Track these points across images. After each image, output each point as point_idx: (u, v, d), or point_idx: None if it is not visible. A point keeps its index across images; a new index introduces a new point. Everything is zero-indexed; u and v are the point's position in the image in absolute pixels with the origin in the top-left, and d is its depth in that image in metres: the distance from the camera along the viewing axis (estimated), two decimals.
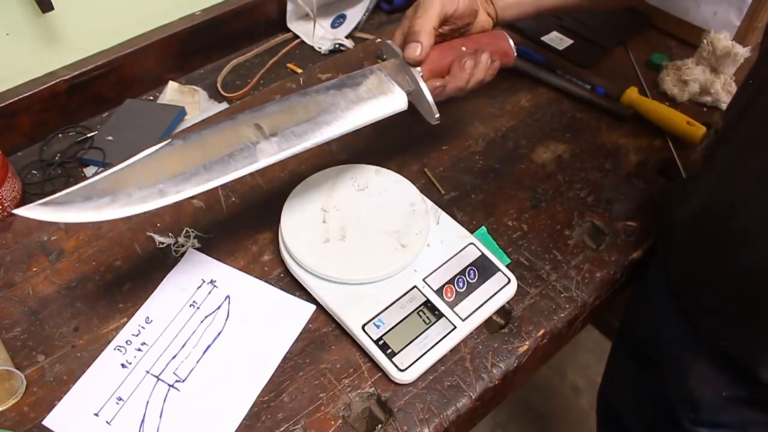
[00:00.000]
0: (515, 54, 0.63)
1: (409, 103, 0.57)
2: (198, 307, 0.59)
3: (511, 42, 0.63)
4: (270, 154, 0.50)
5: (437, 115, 0.58)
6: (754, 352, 0.53)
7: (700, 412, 0.59)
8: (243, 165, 0.50)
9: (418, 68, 0.57)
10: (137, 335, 0.57)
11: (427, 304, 0.56)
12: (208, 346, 0.56)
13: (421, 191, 0.63)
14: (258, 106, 0.53)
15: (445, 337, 0.55)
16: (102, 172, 0.49)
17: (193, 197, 0.68)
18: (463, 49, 0.60)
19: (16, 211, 0.45)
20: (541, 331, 0.58)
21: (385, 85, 0.56)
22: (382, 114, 0.55)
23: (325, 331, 0.58)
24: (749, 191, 0.49)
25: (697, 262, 0.57)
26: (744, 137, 0.50)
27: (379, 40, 0.89)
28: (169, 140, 0.50)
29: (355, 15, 0.96)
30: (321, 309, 0.59)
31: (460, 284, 0.58)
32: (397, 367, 0.53)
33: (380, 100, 0.55)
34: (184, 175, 0.48)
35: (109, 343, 0.56)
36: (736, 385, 0.56)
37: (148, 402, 0.53)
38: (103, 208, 0.46)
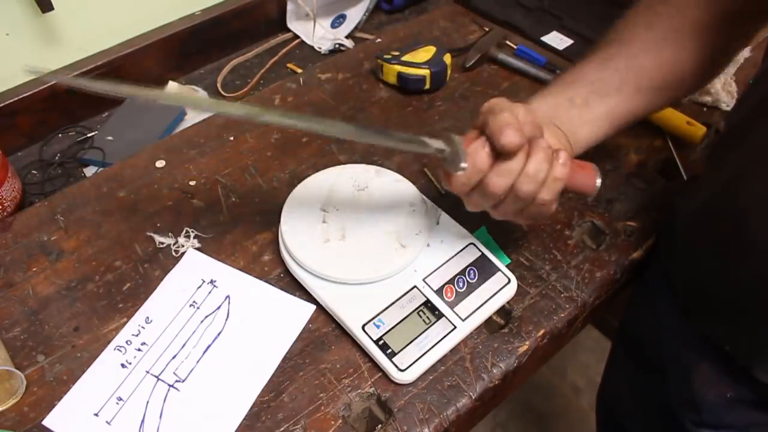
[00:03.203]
0: (595, 192, 0.54)
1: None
2: (198, 307, 0.59)
3: (599, 182, 0.53)
4: None
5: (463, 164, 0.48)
6: (758, 354, 0.53)
7: (702, 413, 0.59)
8: None
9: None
10: (137, 335, 0.57)
11: (427, 304, 0.56)
12: (208, 346, 0.56)
13: (421, 191, 0.63)
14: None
15: (445, 337, 0.55)
16: None
17: (192, 197, 0.68)
18: None
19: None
20: (541, 331, 0.58)
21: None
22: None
23: (325, 331, 0.57)
24: (763, 202, 0.48)
25: (702, 264, 0.57)
26: (756, 147, 0.49)
27: (379, 39, 0.89)
28: None
29: (355, 15, 0.96)
30: (321, 309, 0.58)
31: (460, 284, 0.58)
32: (397, 367, 0.53)
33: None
34: None
35: (109, 343, 0.56)
36: (739, 386, 0.56)
37: (148, 402, 0.53)
38: None
